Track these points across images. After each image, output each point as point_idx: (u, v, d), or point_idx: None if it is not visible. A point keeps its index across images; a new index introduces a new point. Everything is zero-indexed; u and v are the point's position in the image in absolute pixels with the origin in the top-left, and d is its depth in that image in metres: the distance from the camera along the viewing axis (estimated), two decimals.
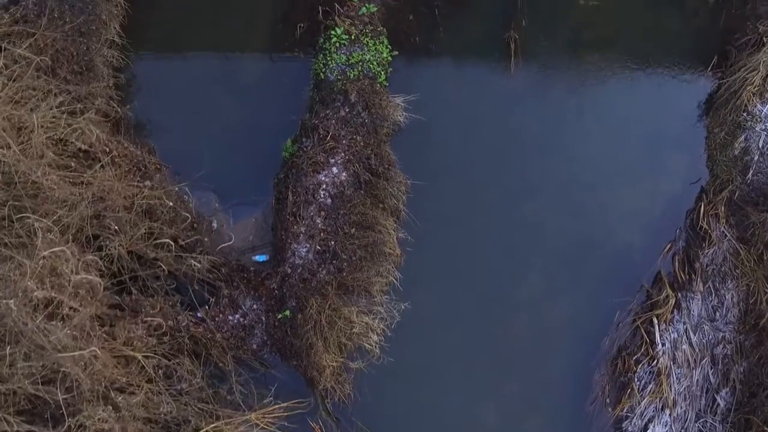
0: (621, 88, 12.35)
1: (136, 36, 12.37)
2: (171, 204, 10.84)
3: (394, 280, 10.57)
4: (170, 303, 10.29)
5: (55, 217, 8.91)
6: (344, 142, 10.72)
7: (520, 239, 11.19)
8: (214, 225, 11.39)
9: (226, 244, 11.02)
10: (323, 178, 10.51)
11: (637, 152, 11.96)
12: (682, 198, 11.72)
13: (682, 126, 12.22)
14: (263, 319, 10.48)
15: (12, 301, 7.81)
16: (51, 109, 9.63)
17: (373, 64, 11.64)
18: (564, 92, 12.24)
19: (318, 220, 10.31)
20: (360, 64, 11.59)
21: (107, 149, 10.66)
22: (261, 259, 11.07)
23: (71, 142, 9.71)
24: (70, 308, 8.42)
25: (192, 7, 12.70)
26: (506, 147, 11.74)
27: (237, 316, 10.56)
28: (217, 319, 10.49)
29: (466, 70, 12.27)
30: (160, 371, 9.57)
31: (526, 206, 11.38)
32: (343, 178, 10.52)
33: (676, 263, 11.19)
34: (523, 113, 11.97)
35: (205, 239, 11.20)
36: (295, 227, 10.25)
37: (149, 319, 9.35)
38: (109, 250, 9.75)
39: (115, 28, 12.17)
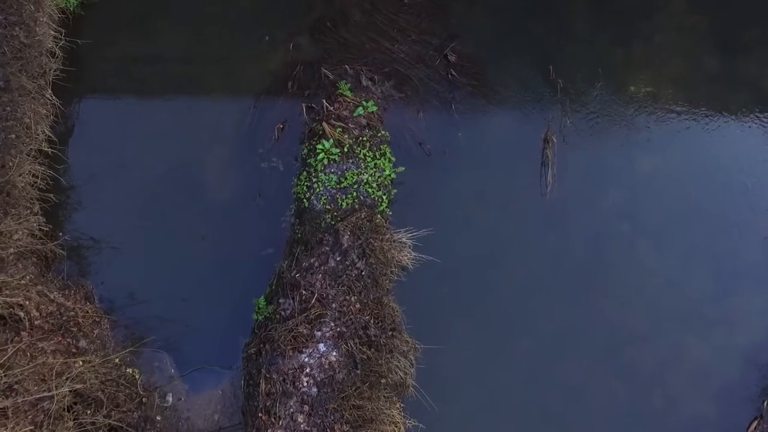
0: (681, 206, 9.77)
1: (71, 142, 9.77)
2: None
3: None
4: None
5: None
6: (334, 306, 8.13)
7: (556, 410, 8.65)
8: (169, 400, 8.86)
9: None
10: (306, 360, 7.92)
11: (705, 286, 9.42)
12: None
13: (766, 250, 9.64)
14: None
15: None
16: None
17: (372, 187, 9.01)
18: (610, 215, 9.64)
19: (300, 419, 7.74)
20: (355, 187, 8.97)
21: (22, 313, 8.14)
22: None
23: None
24: None
25: (145, 103, 10.02)
26: (540, 289, 9.12)
27: None
28: None
29: (491, 189, 9.57)
30: None
31: (563, 365, 8.81)
32: (333, 358, 7.92)
33: None
34: (561, 245, 9.35)
35: (157, 418, 8.74)
36: (269, 430, 7.69)
37: None
38: None
39: (43, 132, 9.56)
